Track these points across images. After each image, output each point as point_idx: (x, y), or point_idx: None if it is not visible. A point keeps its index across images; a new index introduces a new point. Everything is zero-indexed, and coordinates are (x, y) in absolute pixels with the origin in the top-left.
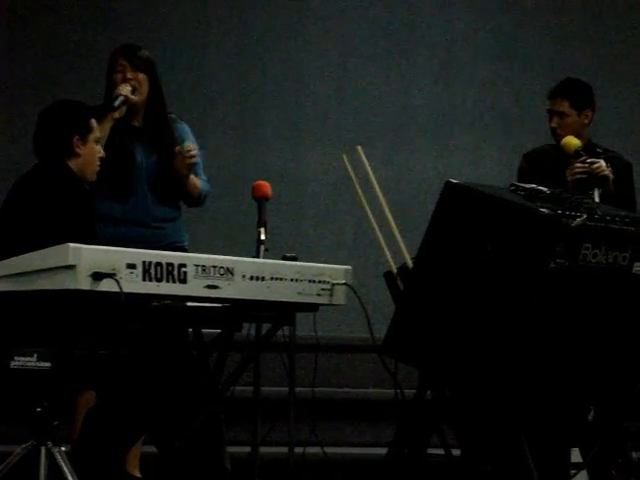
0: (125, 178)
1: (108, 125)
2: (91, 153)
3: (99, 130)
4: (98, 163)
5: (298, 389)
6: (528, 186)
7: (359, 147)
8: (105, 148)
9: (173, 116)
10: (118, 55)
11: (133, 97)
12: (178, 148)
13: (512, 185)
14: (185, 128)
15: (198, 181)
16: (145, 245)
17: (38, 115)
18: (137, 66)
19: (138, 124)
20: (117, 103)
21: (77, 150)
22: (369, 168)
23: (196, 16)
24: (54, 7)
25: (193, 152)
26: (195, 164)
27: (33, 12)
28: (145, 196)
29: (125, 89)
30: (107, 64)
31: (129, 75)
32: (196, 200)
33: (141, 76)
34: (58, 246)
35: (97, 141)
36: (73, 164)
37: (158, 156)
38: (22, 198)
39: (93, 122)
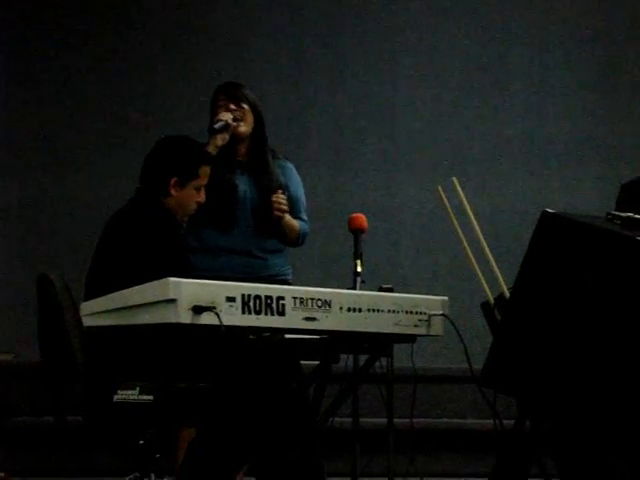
0: (228, 209)
1: (212, 152)
2: (186, 197)
3: (207, 178)
4: (194, 207)
5: (397, 420)
6: (625, 215)
7: (454, 178)
8: (209, 179)
9: (279, 155)
10: (220, 92)
11: (234, 123)
12: (274, 195)
13: (609, 214)
14: (290, 166)
15: (297, 223)
16: (247, 275)
17: (155, 143)
18: (240, 99)
19: (241, 158)
20: (217, 126)
21: (171, 192)
22: (464, 199)
23: (290, 52)
24: (158, 45)
25: (282, 206)
26: (282, 216)
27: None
28: (248, 227)
29: (226, 115)
30: (210, 101)
31: (232, 107)
32: (294, 241)
33: (245, 108)
34: (158, 281)
35: (199, 188)
36: (166, 203)
37: (259, 189)
38: (116, 233)
39: (203, 170)
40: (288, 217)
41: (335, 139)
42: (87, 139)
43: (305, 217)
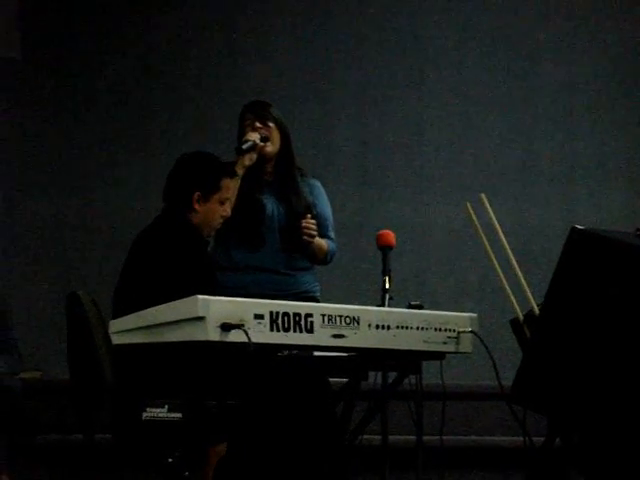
0: (256, 229)
1: (240, 172)
2: (211, 211)
3: (229, 191)
4: (220, 221)
5: (426, 437)
6: None
7: (483, 195)
8: (237, 198)
9: (307, 174)
10: (246, 110)
11: (261, 143)
12: (304, 220)
13: (638, 230)
14: (317, 185)
15: (325, 243)
16: (275, 293)
17: (176, 160)
18: (266, 117)
19: (268, 178)
20: (245, 146)
21: (195, 206)
22: (493, 215)
23: (317, 69)
24: (183, 62)
25: (312, 231)
26: (311, 241)
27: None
28: (275, 245)
29: (253, 135)
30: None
31: (258, 125)
32: (322, 260)
33: (271, 126)
34: (187, 298)
35: (223, 201)
36: (192, 218)
37: (287, 209)
38: (143, 251)
39: (225, 182)
40: (317, 238)
41: (362, 155)
42: (115, 157)
43: (333, 235)
